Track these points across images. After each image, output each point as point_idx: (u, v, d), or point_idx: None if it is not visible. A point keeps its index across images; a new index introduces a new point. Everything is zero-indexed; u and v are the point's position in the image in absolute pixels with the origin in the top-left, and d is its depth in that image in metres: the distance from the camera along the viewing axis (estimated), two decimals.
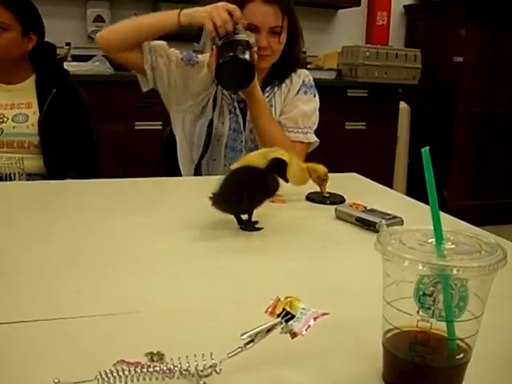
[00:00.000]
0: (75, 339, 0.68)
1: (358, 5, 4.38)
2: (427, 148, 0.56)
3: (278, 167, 1.21)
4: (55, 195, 1.45)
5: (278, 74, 1.87)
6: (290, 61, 1.90)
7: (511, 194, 4.68)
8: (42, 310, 0.75)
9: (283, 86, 1.93)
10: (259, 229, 1.15)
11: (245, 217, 1.15)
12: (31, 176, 2.16)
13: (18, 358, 0.64)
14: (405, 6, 4.80)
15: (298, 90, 1.93)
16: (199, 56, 1.94)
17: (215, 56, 1.64)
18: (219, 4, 1.65)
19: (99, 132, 2.41)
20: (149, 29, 1.78)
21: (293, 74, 1.94)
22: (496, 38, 4.34)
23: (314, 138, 1.90)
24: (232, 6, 1.64)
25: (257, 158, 1.25)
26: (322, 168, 1.36)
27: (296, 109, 1.89)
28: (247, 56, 1.58)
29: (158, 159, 2.21)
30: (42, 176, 2.17)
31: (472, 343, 0.57)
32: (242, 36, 1.63)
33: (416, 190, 4.49)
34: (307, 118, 1.90)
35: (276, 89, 1.91)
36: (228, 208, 1.13)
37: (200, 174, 1.91)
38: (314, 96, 1.96)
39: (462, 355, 0.57)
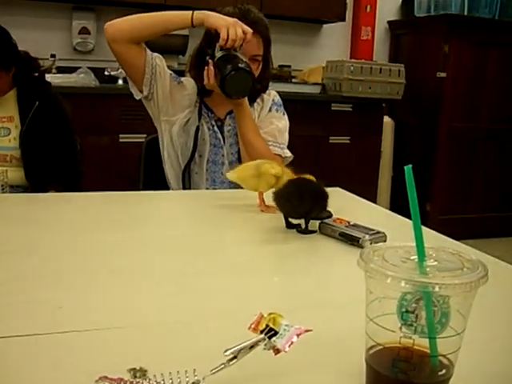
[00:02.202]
0: (57, 355, 0.68)
1: (343, 20, 4.41)
2: (410, 166, 0.56)
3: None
4: (38, 208, 1.43)
5: (250, 96, 1.91)
6: (262, 85, 1.98)
7: (493, 208, 4.73)
8: (22, 326, 0.74)
9: (255, 104, 2.02)
10: (313, 232, 1.23)
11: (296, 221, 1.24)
12: (14, 188, 2.15)
13: None
14: (389, 22, 4.85)
15: (270, 108, 2.02)
16: (182, 77, 2.01)
17: (214, 68, 1.75)
18: (238, 21, 1.73)
19: (83, 144, 2.40)
20: (163, 22, 1.81)
21: (263, 94, 2.03)
22: (478, 54, 4.40)
23: (289, 153, 1.98)
24: (248, 28, 1.73)
25: (250, 168, 1.38)
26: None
27: (272, 125, 1.97)
28: (247, 66, 1.69)
29: (137, 170, 2.20)
30: (24, 188, 2.16)
31: (454, 359, 0.58)
32: (240, 54, 1.74)
33: (400, 204, 4.52)
34: (282, 134, 1.99)
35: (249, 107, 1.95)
36: (287, 207, 1.22)
37: (187, 185, 1.96)
38: (284, 114, 2.05)
39: (444, 371, 0.58)
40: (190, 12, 1.76)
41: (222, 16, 1.75)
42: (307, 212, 1.21)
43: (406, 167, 0.56)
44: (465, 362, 0.58)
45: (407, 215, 1.43)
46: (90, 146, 3.01)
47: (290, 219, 1.25)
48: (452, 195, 4.51)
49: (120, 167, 3.47)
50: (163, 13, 1.82)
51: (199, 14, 1.76)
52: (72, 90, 3.27)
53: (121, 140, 3.54)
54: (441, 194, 4.48)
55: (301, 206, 1.21)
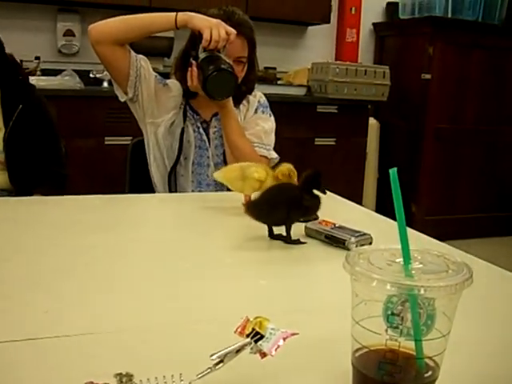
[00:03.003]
0: (42, 361, 0.67)
1: (328, 22, 4.43)
2: (395, 169, 0.56)
3: (313, 181, 1.22)
4: (22, 212, 1.42)
5: (236, 98, 1.92)
6: (247, 87, 1.99)
7: (478, 208, 4.76)
8: (7, 331, 0.73)
9: (241, 106, 2.02)
10: (302, 243, 1.19)
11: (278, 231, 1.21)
12: None
13: None
14: (374, 24, 4.87)
15: (256, 109, 2.03)
16: (167, 80, 2.01)
17: (198, 69, 1.75)
18: (222, 22, 1.73)
19: (69, 147, 2.39)
20: (146, 24, 1.82)
21: (248, 95, 2.03)
22: (462, 55, 4.44)
23: (275, 155, 1.98)
24: (231, 29, 1.73)
25: (236, 170, 1.38)
26: (284, 166, 1.38)
27: (258, 126, 1.98)
28: (229, 67, 1.70)
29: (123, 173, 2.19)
30: (8, 192, 2.14)
31: (440, 361, 0.58)
32: (223, 56, 1.75)
33: (385, 206, 4.54)
34: (267, 135, 1.99)
35: (234, 109, 1.94)
36: (258, 216, 1.18)
37: (173, 187, 1.96)
38: (270, 116, 2.05)
39: (430, 373, 0.58)
40: (174, 14, 1.76)
41: (205, 17, 1.76)
42: (283, 220, 1.18)
43: (390, 170, 0.57)
44: (450, 364, 0.59)
45: (393, 216, 1.43)
46: (76, 149, 3.00)
47: (275, 228, 1.22)
48: (437, 196, 4.53)
49: (105, 170, 3.46)
50: (147, 15, 1.82)
51: (183, 16, 1.76)
52: (57, 93, 3.25)
53: (106, 143, 3.53)
54: (426, 194, 4.50)
55: (274, 215, 1.18)
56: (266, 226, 1.22)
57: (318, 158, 4.12)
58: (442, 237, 1.22)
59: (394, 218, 1.42)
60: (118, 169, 2.98)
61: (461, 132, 4.55)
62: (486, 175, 4.73)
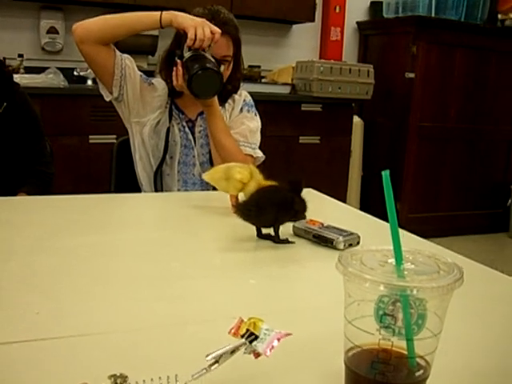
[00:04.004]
0: (34, 363, 0.67)
1: (312, 20, 4.44)
2: (387, 171, 0.57)
3: (295, 189, 1.22)
4: (8, 212, 1.40)
5: (221, 97, 1.93)
6: (232, 86, 1.99)
7: (460, 205, 4.80)
8: None
9: (226, 105, 2.02)
10: (290, 242, 1.20)
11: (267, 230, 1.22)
12: None
13: None
14: (358, 23, 4.90)
15: (242, 108, 2.03)
16: (152, 78, 2.01)
17: (183, 68, 1.75)
18: (207, 21, 1.73)
19: (53, 146, 2.38)
20: (131, 23, 1.80)
21: (234, 94, 2.04)
22: (445, 54, 4.47)
23: (260, 154, 1.99)
24: (216, 28, 1.74)
25: (220, 171, 1.38)
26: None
27: (243, 125, 1.98)
28: (214, 66, 1.70)
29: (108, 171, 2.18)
30: None
31: (431, 360, 0.59)
32: (208, 55, 1.75)
33: (369, 204, 4.57)
34: (253, 134, 1.99)
35: (220, 108, 1.94)
36: (247, 217, 1.18)
37: (159, 186, 1.96)
38: (256, 115, 2.05)
39: (421, 372, 0.59)
40: (159, 12, 1.76)
41: (190, 16, 1.76)
42: (271, 223, 1.19)
43: (383, 172, 0.57)
44: (440, 362, 0.60)
45: (376, 214, 1.46)
46: (60, 148, 2.98)
47: (263, 228, 1.23)
48: (421, 194, 4.57)
49: (90, 168, 3.44)
50: (131, 13, 1.81)
51: (167, 15, 1.76)
52: (41, 91, 3.23)
53: (90, 141, 3.51)
54: (410, 192, 4.53)
55: (262, 218, 1.18)
56: (253, 226, 1.22)
57: (302, 156, 4.13)
58: (425, 234, 1.24)
59: (377, 217, 1.44)
60: (102, 167, 2.97)
61: (444, 130, 4.59)
62: (469, 173, 4.78)
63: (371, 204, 4.58)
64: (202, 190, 1.96)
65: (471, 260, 1.09)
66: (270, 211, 1.17)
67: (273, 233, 1.20)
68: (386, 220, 1.46)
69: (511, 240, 4.82)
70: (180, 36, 1.81)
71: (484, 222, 4.90)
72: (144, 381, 0.58)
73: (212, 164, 1.93)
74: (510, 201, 4.87)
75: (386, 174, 0.57)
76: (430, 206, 4.65)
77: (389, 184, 0.58)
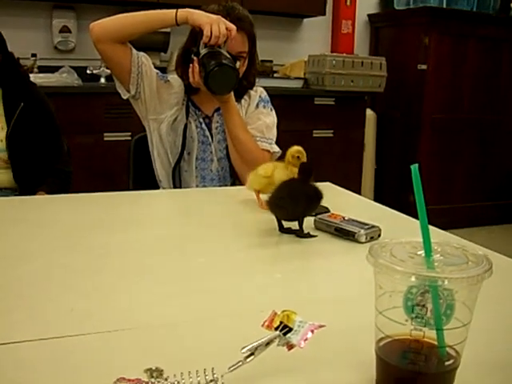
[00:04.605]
0: (71, 359, 0.68)
1: (323, 14, 4.43)
2: (416, 165, 0.58)
3: (307, 172, 1.24)
4: (29, 211, 1.42)
5: (237, 93, 1.94)
6: (248, 82, 2.00)
7: (474, 197, 4.79)
8: (34, 330, 0.75)
9: (242, 101, 2.03)
10: (313, 236, 1.21)
11: (288, 224, 1.23)
12: (2, 190, 2.14)
13: (11, 381, 0.63)
14: (369, 15, 4.88)
15: (257, 104, 2.03)
16: (168, 76, 2.02)
17: (199, 65, 1.76)
18: (222, 18, 1.75)
19: (68, 144, 2.40)
20: (147, 21, 1.83)
21: (250, 90, 2.04)
22: (457, 46, 4.45)
23: (277, 149, 1.99)
24: (231, 25, 1.75)
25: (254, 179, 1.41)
26: (292, 148, 1.40)
27: (260, 121, 1.98)
28: (230, 62, 1.72)
29: (127, 169, 2.20)
30: (12, 190, 2.15)
31: (461, 350, 0.60)
32: (224, 51, 1.76)
33: (382, 196, 4.57)
34: (269, 129, 2.00)
35: (236, 104, 1.96)
36: (279, 209, 1.20)
37: (178, 183, 1.97)
38: (271, 110, 2.06)
39: (451, 361, 0.60)
40: (174, 10, 1.78)
41: (205, 13, 1.77)
42: (300, 215, 1.21)
43: (412, 166, 0.58)
44: (470, 352, 0.61)
45: (390, 206, 1.46)
46: (75, 146, 3.00)
47: (284, 222, 1.24)
48: (435, 186, 4.55)
49: (105, 166, 3.47)
50: (147, 12, 1.83)
51: (183, 12, 1.77)
52: (55, 90, 3.25)
53: (105, 139, 3.53)
54: (424, 184, 4.45)
55: (294, 210, 1.20)
56: (274, 220, 1.23)
57: (316, 150, 4.12)
58: (440, 225, 1.23)
59: (391, 207, 1.45)
60: (118, 165, 3.00)
61: (457, 122, 4.57)
62: (482, 164, 4.76)
63: (385, 197, 4.58)
64: (220, 185, 1.97)
65: (489, 250, 1.10)
66: (301, 203, 1.19)
67: (294, 227, 1.21)
68: (400, 211, 1.47)
69: None
70: (196, 33, 1.82)
71: (497, 213, 4.88)
72: (182, 373, 0.59)
73: (229, 160, 1.95)
74: None
75: (415, 168, 0.59)
76: (445, 198, 4.64)
77: (418, 178, 0.59)
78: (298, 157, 1.37)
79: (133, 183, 2.13)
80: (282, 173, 1.36)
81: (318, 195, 1.22)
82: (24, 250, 1.09)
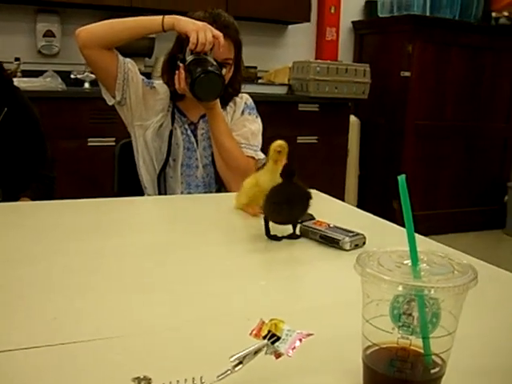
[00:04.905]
0: (55, 368, 0.67)
1: (308, 20, 4.46)
2: (403, 176, 0.59)
3: (290, 173, 1.24)
4: (16, 217, 1.42)
5: (223, 99, 1.94)
6: (234, 88, 2.01)
7: (458, 203, 4.83)
8: (16, 339, 0.73)
9: (228, 108, 2.03)
10: (298, 236, 1.24)
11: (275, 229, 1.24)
12: None
13: None
14: (353, 22, 4.92)
15: (243, 111, 2.04)
16: (154, 82, 2.02)
17: (185, 72, 1.77)
18: (208, 25, 1.75)
19: (52, 149, 2.38)
20: (134, 27, 1.83)
21: (235, 97, 2.05)
22: (441, 53, 4.50)
23: (262, 155, 1.99)
24: (218, 32, 1.75)
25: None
26: (274, 142, 1.39)
27: (245, 128, 1.99)
28: (216, 69, 1.73)
29: (111, 175, 2.19)
30: None
31: (446, 358, 0.61)
32: (210, 58, 1.77)
33: (366, 202, 4.59)
34: (255, 136, 2.01)
35: (222, 111, 1.96)
36: (276, 214, 1.21)
37: (163, 189, 1.97)
38: (257, 117, 2.07)
39: (437, 369, 0.61)
40: (161, 17, 1.78)
41: (192, 20, 1.77)
42: (296, 218, 1.23)
43: (399, 177, 0.59)
44: (455, 360, 0.61)
45: (374, 212, 1.47)
46: (59, 151, 2.99)
47: (271, 225, 1.25)
48: (418, 192, 4.59)
49: (90, 171, 3.45)
50: (134, 18, 1.83)
51: (169, 19, 1.77)
52: (39, 94, 3.23)
53: (89, 144, 3.52)
54: (408, 190, 4.54)
55: (290, 214, 1.22)
56: (260, 226, 1.24)
57: (300, 156, 4.14)
58: (423, 232, 1.24)
59: (375, 214, 1.46)
60: (102, 170, 2.99)
61: (440, 128, 4.62)
62: (465, 170, 4.81)
63: (368, 203, 4.61)
64: (205, 192, 1.97)
65: (474, 258, 1.11)
66: (297, 206, 1.21)
67: (280, 232, 1.23)
68: (383, 217, 1.48)
69: (507, 236, 4.85)
70: (182, 40, 1.83)
71: (481, 219, 4.93)
72: (170, 382, 0.59)
73: (215, 166, 1.95)
74: (506, 197, 4.90)
75: (402, 179, 0.59)
76: (429, 204, 4.68)
77: (405, 188, 0.60)
78: (280, 151, 1.37)
79: (118, 189, 2.13)
80: (266, 178, 1.35)
81: (309, 196, 1.23)
82: (11, 257, 1.08)
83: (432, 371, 0.61)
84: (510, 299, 0.98)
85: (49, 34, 3.90)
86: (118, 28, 1.82)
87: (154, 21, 1.79)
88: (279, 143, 1.37)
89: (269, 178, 1.30)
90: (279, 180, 1.23)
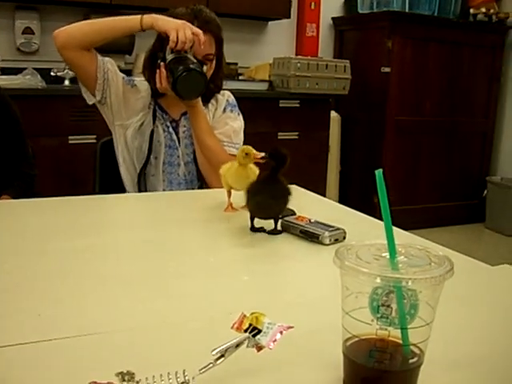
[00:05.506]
0: (40, 365, 0.68)
1: (288, 17, 4.46)
2: (380, 170, 0.60)
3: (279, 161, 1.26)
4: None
5: (204, 97, 1.94)
6: (215, 85, 2.01)
7: (438, 197, 4.88)
8: (3, 336, 0.74)
9: (210, 105, 2.03)
10: (280, 232, 1.26)
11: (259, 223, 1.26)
12: None
13: None
14: (333, 18, 4.93)
15: (225, 109, 2.04)
16: (135, 79, 2.01)
17: (166, 71, 1.77)
18: (187, 23, 1.75)
19: (33, 147, 2.37)
20: (113, 27, 1.82)
21: (217, 94, 2.05)
22: (420, 49, 4.54)
23: None
24: (197, 30, 1.75)
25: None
26: (240, 148, 1.42)
27: (227, 125, 2.00)
28: (198, 67, 1.73)
29: (92, 172, 2.19)
30: None
31: (424, 348, 0.62)
32: (191, 56, 1.77)
33: (347, 198, 4.62)
34: (237, 134, 2.01)
35: (203, 109, 1.96)
36: (263, 210, 1.24)
37: (143, 187, 1.96)
38: (239, 114, 2.07)
39: (415, 359, 0.62)
40: (139, 16, 1.78)
41: (170, 19, 1.77)
42: (278, 213, 1.25)
43: (376, 172, 0.60)
44: (433, 350, 0.63)
45: (355, 207, 1.49)
46: (40, 149, 2.97)
47: (257, 220, 1.27)
48: (399, 186, 4.62)
49: (70, 169, 3.44)
50: (112, 18, 1.83)
51: (148, 18, 1.77)
52: (18, 92, 3.21)
53: (70, 142, 3.50)
54: (388, 185, 4.52)
55: (273, 210, 1.24)
56: (243, 223, 1.25)
57: None
58: (403, 226, 1.26)
59: (355, 208, 1.47)
60: (83, 168, 2.97)
61: (420, 123, 4.66)
62: (445, 165, 4.85)
63: (350, 198, 4.64)
64: (187, 189, 1.98)
65: (451, 250, 1.13)
66: (280, 201, 1.23)
67: (264, 226, 1.26)
68: (365, 212, 1.50)
69: (487, 230, 4.91)
70: (162, 38, 1.82)
71: (461, 213, 4.98)
72: (154, 376, 0.60)
73: (196, 164, 1.95)
74: (485, 192, 4.96)
75: (379, 173, 0.60)
76: (408, 199, 4.71)
77: (382, 182, 0.61)
78: (247, 153, 1.39)
79: (99, 187, 2.12)
80: (232, 173, 1.40)
81: (289, 192, 1.25)
82: None
83: (410, 361, 0.62)
84: (486, 290, 1.00)
85: (28, 31, 3.86)
86: (96, 29, 1.82)
87: (132, 20, 1.78)
88: (244, 148, 1.39)
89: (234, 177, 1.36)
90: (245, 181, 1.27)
